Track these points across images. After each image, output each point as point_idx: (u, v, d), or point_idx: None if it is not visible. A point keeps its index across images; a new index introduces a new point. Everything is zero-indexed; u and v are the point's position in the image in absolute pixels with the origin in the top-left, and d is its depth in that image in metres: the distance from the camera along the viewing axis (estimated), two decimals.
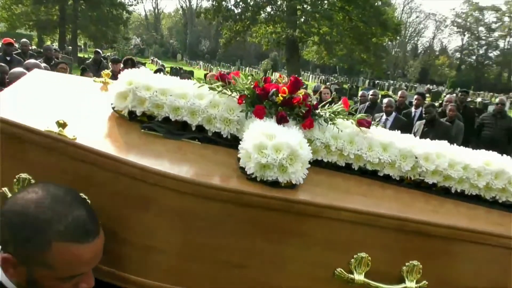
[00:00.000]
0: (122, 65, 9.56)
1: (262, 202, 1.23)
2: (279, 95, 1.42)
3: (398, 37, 41.91)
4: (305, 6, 31.47)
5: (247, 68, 46.50)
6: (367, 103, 9.48)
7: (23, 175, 1.27)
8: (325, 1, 31.65)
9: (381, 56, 37.45)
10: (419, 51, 72.93)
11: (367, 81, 42.28)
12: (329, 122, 1.48)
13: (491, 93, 38.57)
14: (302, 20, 32.15)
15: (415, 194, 1.51)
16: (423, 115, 7.83)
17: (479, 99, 27.25)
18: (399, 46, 68.11)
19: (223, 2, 33.02)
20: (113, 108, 1.48)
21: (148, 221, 1.24)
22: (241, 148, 1.30)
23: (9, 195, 1.27)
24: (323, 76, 43.99)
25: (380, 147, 1.49)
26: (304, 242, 1.29)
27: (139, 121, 1.46)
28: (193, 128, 1.46)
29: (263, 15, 33.58)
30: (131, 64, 9.66)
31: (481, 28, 65.61)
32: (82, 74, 8.46)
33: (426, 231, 1.34)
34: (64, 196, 1.08)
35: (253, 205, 1.23)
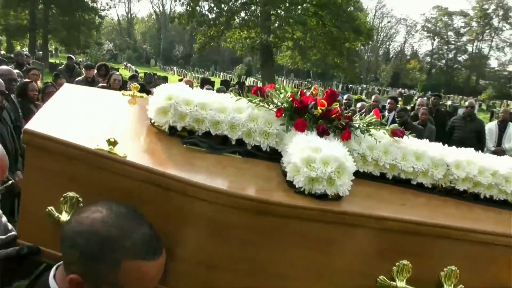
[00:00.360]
0: (95, 71, 9.42)
1: (311, 215, 1.24)
2: (318, 107, 1.45)
3: (370, 42, 42.66)
4: (279, 11, 31.62)
5: (221, 73, 46.43)
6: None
7: (71, 194, 1.25)
8: (299, 7, 31.85)
9: (354, 61, 38.02)
10: (391, 55, 74.46)
11: (340, 86, 42.84)
12: (366, 134, 1.51)
13: (461, 96, 39.77)
14: (276, 25, 32.28)
15: (447, 201, 1.56)
16: (396, 119, 8.01)
17: (449, 102, 28.06)
18: (372, 50, 69.42)
19: (197, 7, 32.85)
20: (152, 123, 1.48)
21: (196, 236, 1.24)
22: (288, 162, 1.31)
23: (56, 214, 1.25)
24: (297, 81, 44.37)
25: (413, 156, 1.53)
26: (347, 251, 1.32)
27: (179, 136, 1.46)
28: (233, 142, 1.46)
29: (237, 20, 33.52)
30: (104, 70, 9.52)
31: (450, 33, 67.70)
32: (55, 81, 8.23)
33: (460, 237, 1.38)
34: (127, 213, 1.07)
35: (302, 217, 1.24)
